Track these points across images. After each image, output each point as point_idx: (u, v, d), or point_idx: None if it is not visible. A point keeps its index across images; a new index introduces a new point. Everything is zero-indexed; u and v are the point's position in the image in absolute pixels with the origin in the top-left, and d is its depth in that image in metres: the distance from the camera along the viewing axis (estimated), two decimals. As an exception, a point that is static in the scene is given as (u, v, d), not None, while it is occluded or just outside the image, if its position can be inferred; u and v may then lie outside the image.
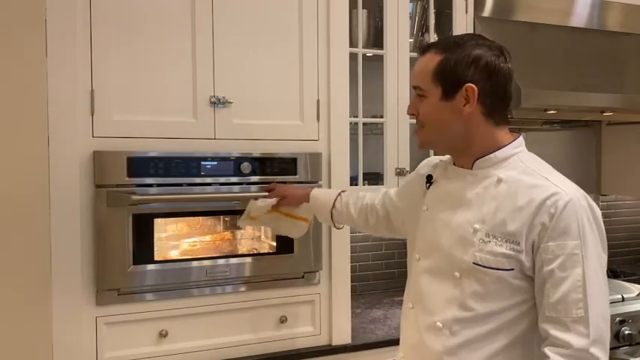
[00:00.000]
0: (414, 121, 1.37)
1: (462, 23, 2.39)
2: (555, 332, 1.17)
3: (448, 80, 1.26)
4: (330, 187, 2.01)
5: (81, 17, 1.72)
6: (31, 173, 1.66)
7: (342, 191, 1.77)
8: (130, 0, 1.78)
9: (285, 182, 1.93)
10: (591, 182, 3.19)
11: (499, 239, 1.22)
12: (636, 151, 3.05)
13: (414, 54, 2.33)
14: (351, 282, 2.09)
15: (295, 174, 1.96)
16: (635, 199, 3.37)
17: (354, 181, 2.19)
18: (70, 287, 1.72)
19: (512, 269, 1.22)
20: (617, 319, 2.34)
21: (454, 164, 1.37)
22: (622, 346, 2.35)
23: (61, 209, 1.70)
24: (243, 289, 1.94)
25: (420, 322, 1.34)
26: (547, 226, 1.19)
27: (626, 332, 2.34)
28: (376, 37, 2.34)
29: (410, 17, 2.37)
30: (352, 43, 2.16)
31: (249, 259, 1.96)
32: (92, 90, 1.74)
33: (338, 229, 1.87)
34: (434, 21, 2.41)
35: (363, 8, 2.27)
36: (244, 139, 1.92)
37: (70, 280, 1.72)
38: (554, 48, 2.55)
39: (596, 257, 1.20)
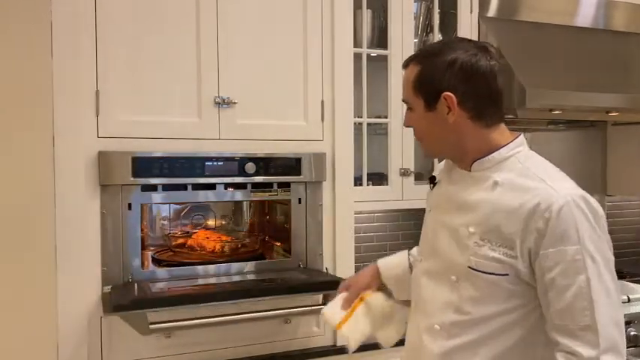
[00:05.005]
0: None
1: (467, 23, 2.39)
2: (564, 341, 1.14)
3: (427, 91, 1.24)
4: (333, 186, 2.02)
5: (86, 18, 1.72)
6: (36, 173, 1.66)
7: (408, 249, 1.61)
8: (135, 0, 1.78)
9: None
10: (597, 183, 3.17)
11: (493, 243, 1.20)
12: (642, 152, 3.04)
13: (419, 54, 2.33)
14: (356, 282, 2.09)
15: (299, 174, 1.96)
16: (641, 199, 3.36)
17: (358, 181, 2.19)
18: (75, 287, 1.72)
19: (507, 274, 1.19)
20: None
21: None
22: (628, 348, 2.31)
23: (66, 209, 1.70)
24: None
25: (420, 323, 1.34)
26: (543, 232, 1.14)
27: (632, 333, 2.33)
28: (380, 38, 2.34)
29: (414, 17, 2.36)
30: (356, 43, 2.16)
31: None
32: (97, 90, 1.74)
33: None
34: (438, 21, 2.41)
35: (367, 8, 2.27)
36: (248, 140, 1.92)
37: (75, 281, 1.72)
38: (560, 48, 2.54)
39: (601, 260, 1.15)
